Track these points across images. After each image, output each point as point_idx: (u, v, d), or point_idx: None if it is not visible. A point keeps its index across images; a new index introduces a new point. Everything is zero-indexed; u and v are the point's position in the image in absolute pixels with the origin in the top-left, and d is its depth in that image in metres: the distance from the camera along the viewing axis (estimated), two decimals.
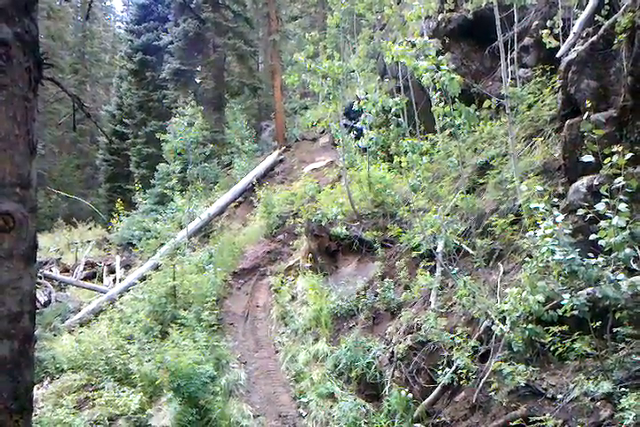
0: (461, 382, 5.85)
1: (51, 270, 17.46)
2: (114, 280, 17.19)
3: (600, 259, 4.62)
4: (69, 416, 7.94)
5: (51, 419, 7.89)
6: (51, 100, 31.96)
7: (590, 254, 4.73)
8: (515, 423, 4.80)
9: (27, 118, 1.53)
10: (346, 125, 14.40)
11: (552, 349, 5.04)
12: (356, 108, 10.44)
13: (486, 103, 8.15)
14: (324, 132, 19.46)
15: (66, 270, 18.75)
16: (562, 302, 4.79)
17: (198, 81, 23.50)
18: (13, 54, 1.49)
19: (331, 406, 7.26)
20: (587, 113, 5.28)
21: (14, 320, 1.49)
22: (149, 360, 8.61)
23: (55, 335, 11.47)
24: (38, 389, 9.20)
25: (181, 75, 23.07)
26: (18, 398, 1.50)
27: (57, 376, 9.66)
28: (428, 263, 7.95)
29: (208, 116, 20.59)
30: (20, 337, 1.51)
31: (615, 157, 4.52)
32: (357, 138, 13.80)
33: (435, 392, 6.20)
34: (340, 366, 7.74)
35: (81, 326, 11.92)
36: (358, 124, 13.58)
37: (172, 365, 7.59)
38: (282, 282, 11.05)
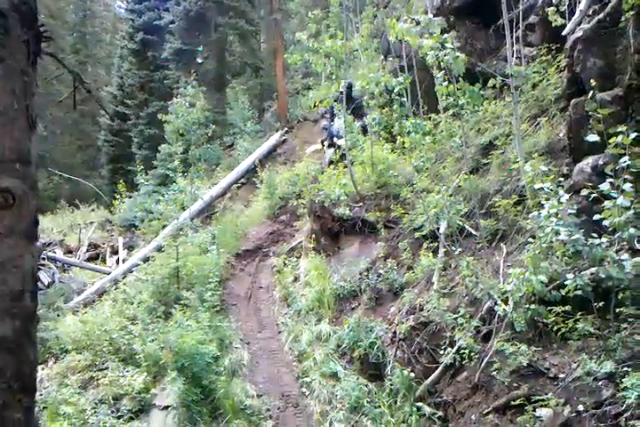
0: (463, 362, 5.88)
1: (54, 252, 17.49)
2: (117, 261, 17.24)
3: (604, 239, 4.61)
4: (74, 396, 8.03)
5: (56, 399, 7.97)
6: (51, 79, 31.71)
7: (594, 235, 4.72)
8: (516, 403, 4.84)
9: (26, 93, 1.49)
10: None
11: (555, 329, 5.06)
12: (358, 89, 10.34)
13: (491, 82, 8.07)
14: (326, 112, 19.31)
15: (69, 252, 18.79)
16: (565, 283, 4.80)
17: (200, 61, 23.29)
18: (11, 26, 1.44)
19: (334, 386, 7.31)
20: (592, 92, 5.22)
21: (16, 299, 1.48)
22: (153, 340, 8.67)
23: (59, 316, 11.54)
24: (43, 369, 9.28)
25: (183, 55, 22.85)
26: (21, 378, 1.49)
27: (61, 357, 9.74)
28: (431, 244, 7.94)
29: (210, 96, 20.43)
30: (21, 316, 1.50)
31: (620, 137, 4.49)
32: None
33: (437, 372, 6.23)
34: (343, 346, 7.78)
35: (85, 306, 11.98)
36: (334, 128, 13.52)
37: (176, 345, 7.64)
38: (284, 263, 11.05)
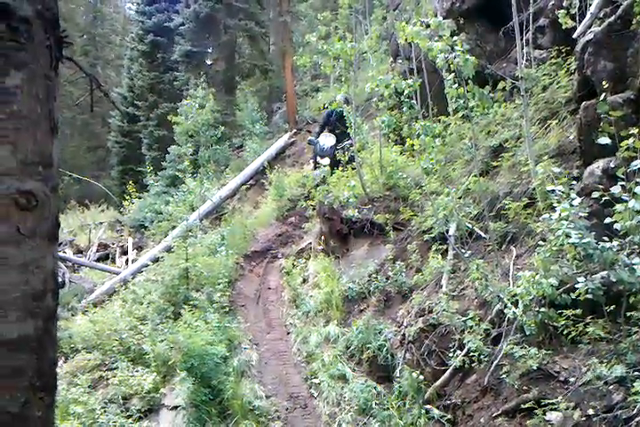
0: (473, 365, 5.87)
1: (64, 252, 17.61)
2: (126, 262, 17.32)
3: (615, 242, 4.60)
4: (84, 395, 8.06)
5: (65, 398, 8.01)
6: (64, 82, 31.91)
7: (605, 238, 4.71)
8: (526, 406, 4.83)
9: (48, 97, 1.53)
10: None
11: (565, 332, 5.04)
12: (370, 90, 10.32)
13: (500, 85, 8.07)
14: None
15: (79, 252, 18.92)
16: (576, 286, 4.78)
17: (209, 63, 23.35)
18: (35, 32, 1.48)
19: (342, 388, 7.31)
20: (603, 95, 5.21)
21: (38, 299, 1.51)
22: (162, 341, 8.69)
23: (73, 315, 11.62)
24: None
25: (192, 56, 22.92)
26: (42, 376, 1.52)
27: (71, 356, 9.78)
28: (440, 246, 7.92)
29: (219, 98, 20.52)
30: (43, 315, 1.53)
31: (632, 140, 4.48)
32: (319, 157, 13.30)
33: (446, 374, 6.23)
34: (352, 348, 7.78)
35: (94, 306, 12.04)
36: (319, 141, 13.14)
37: (185, 345, 7.67)
38: (293, 265, 11.07)
